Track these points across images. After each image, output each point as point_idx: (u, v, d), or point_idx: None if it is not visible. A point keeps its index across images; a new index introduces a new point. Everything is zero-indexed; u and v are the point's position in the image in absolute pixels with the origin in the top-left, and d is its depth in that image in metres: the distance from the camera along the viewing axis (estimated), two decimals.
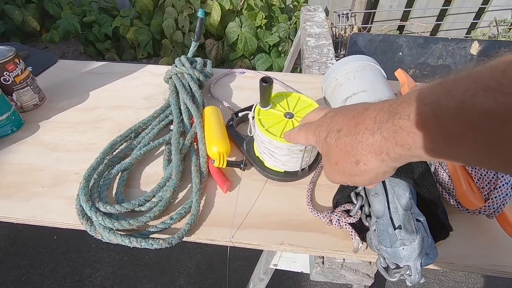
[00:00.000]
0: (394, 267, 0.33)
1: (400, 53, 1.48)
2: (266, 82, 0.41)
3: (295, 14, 1.57)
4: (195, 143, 0.51)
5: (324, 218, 0.40)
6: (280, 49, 1.56)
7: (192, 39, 0.70)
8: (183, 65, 0.63)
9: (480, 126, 0.18)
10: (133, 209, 0.40)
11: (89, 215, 0.39)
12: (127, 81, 0.71)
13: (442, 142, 0.20)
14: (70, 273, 1.05)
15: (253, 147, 0.50)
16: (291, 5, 1.70)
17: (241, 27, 1.51)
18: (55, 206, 0.44)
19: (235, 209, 0.43)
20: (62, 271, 1.06)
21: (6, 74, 0.55)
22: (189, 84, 0.59)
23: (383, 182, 0.36)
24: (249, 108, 0.57)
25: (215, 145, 0.47)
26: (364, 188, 0.38)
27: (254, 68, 1.58)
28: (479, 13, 1.90)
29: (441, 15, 1.91)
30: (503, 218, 0.37)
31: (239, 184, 0.47)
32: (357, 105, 0.28)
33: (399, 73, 0.59)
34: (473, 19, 1.90)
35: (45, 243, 1.15)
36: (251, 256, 1.07)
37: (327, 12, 1.82)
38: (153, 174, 0.48)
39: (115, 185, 0.45)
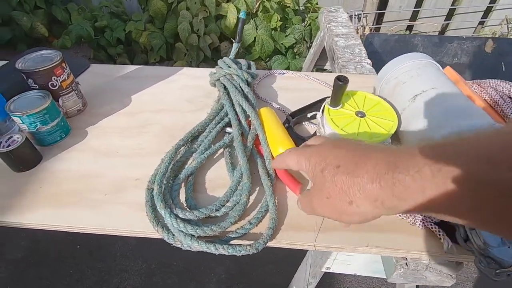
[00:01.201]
0: (497, 266, 0.32)
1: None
2: (341, 81, 0.40)
3: (309, 15, 1.58)
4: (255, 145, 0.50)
5: (408, 218, 0.39)
6: (295, 50, 1.56)
7: (234, 40, 0.70)
8: (229, 67, 0.62)
9: (484, 196, 0.19)
10: (210, 214, 0.39)
11: (169, 222, 0.37)
12: (165, 84, 0.70)
13: (438, 201, 0.21)
14: (97, 283, 1.02)
15: None
16: (302, 7, 1.70)
17: (256, 29, 1.50)
18: (122, 214, 0.42)
19: None
20: (89, 281, 1.03)
21: (54, 79, 0.53)
22: (240, 85, 0.58)
23: None
24: (304, 109, 0.56)
25: (280, 146, 0.46)
26: None
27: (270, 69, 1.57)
28: (487, 12, 1.93)
29: (450, 15, 1.93)
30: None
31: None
32: (357, 143, 0.29)
33: (449, 70, 0.59)
34: (481, 18, 1.92)
35: (67, 253, 1.13)
36: (281, 260, 1.06)
37: None
38: (216, 178, 0.47)
39: (183, 191, 0.44)
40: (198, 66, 1.67)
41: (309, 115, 0.51)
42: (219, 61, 0.66)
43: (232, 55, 0.69)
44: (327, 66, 1.35)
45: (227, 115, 0.54)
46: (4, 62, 0.74)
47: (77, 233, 0.43)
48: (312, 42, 1.59)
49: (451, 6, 1.84)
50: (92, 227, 0.41)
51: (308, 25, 1.53)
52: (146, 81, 0.70)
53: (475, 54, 1.44)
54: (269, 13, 1.50)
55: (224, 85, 0.59)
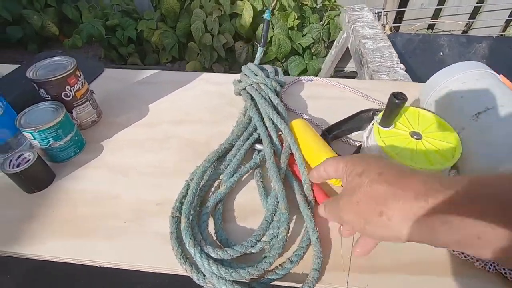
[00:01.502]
0: None
1: (441, 53, 1.41)
2: (398, 99, 0.34)
3: (327, 14, 1.50)
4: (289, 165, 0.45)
5: (476, 261, 0.33)
6: (313, 51, 1.50)
7: (258, 44, 0.64)
8: (256, 75, 0.57)
9: None
10: (245, 252, 0.34)
11: (199, 262, 0.32)
12: (184, 91, 0.65)
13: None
14: None
15: None
16: (320, 5, 1.62)
17: (273, 28, 1.44)
18: (143, 246, 0.37)
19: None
20: None
21: (67, 89, 0.49)
22: (268, 96, 0.52)
23: None
24: (341, 123, 0.50)
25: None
26: None
27: (286, 71, 1.52)
28: None
29: (474, 12, 1.83)
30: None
31: None
32: (402, 165, 0.26)
33: (503, 79, 0.53)
34: (508, 16, 1.82)
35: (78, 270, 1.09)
36: None
37: None
38: (247, 203, 0.42)
39: (211, 220, 0.39)
40: (211, 67, 1.63)
41: (353, 134, 0.45)
42: (243, 68, 0.61)
43: (257, 60, 0.64)
44: (348, 68, 1.28)
45: (255, 129, 0.49)
46: (13, 67, 0.70)
47: None
48: (330, 42, 1.52)
49: (476, 3, 1.75)
50: (111, 261, 0.36)
51: (326, 24, 1.46)
52: (164, 87, 0.65)
53: (506, 55, 1.36)
54: (286, 12, 1.44)
55: (250, 95, 0.54)
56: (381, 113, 0.40)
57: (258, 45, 0.64)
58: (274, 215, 0.38)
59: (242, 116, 0.52)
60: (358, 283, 0.33)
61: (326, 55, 1.48)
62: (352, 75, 1.46)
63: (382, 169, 0.25)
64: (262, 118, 0.49)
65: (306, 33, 1.47)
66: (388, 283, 0.33)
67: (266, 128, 0.48)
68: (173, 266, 0.35)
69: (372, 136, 0.38)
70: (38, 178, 0.43)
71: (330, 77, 1.37)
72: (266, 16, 0.61)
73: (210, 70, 1.65)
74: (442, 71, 0.48)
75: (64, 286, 1.08)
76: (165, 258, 0.36)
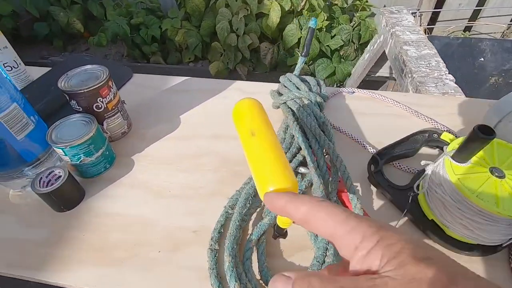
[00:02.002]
0: None
1: (482, 59, 1.31)
2: (486, 134, 0.29)
3: (358, 14, 1.43)
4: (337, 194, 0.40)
5: None
6: (342, 53, 1.43)
7: (299, 53, 0.59)
8: (298, 87, 0.52)
9: None
10: None
11: None
12: (217, 100, 0.61)
13: None
14: None
15: (418, 205, 0.38)
16: (350, 5, 1.55)
17: (301, 29, 1.38)
18: (180, 281, 0.34)
19: None
20: None
21: (99, 100, 0.46)
22: (313, 112, 0.48)
23: None
24: (393, 146, 0.45)
25: (271, 183, 0.23)
26: None
27: (313, 74, 1.46)
28: None
29: None
30: None
31: None
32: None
33: None
34: None
35: None
36: None
37: None
38: (292, 236, 0.37)
39: (254, 255, 0.35)
40: (234, 68, 1.59)
41: (423, 163, 0.39)
42: (282, 79, 0.57)
43: (297, 71, 0.59)
44: (380, 73, 1.21)
45: (299, 150, 0.44)
46: (43, 70, 0.68)
47: None
48: (360, 44, 1.45)
49: None
50: None
51: (357, 25, 1.39)
52: (197, 96, 0.62)
53: None
54: (315, 12, 1.37)
55: (292, 110, 0.49)
56: (452, 144, 0.34)
57: (300, 54, 0.59)
58: (326, 254, 0.34)
59: (282, 133, 0.48)
60: None
61: (355, 58, 1.41)
62: (383, 80, 1.38)
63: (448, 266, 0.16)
64: (307, 138, 0.44)
65: (335, 35, 1.40)
66: None
67: (311, 148, 0.43)
68: None
69: (444, 172, 0.33)
70: (68, 197, 0.41)
71: (361, 82, 1.30)
72: (312, 24, 0.56)
73: (234, 71, 1.61)
74: None
75: None
76: None
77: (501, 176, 0.32)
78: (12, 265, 0.36)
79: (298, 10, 1.39)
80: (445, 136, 0.45)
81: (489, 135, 0.29)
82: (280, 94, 0.55)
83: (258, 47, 1.49)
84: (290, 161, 0.43)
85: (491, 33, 1.74)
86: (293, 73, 0.58)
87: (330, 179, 0.40)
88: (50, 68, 0.69)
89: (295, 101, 0.50)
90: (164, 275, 0.35)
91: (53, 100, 0.56)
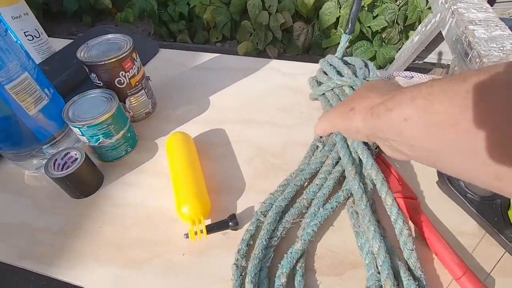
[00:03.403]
0: None
1: None
2: None
3: None
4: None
5: None
6: (384, 36, 1.29)
7: (342, 30, 0.50)
8: (340, 73, 0.44)
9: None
10: None
11: None
12: (251, 81, 0.54)
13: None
14: None
15: (500, 210, 0.30)
16: None
17: (340, 8, 1.25)
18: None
19: None
20: None
21: (121, 74, 0.40)
22: None
23: None
24: None
25: (186, 204, 0.32)
26: None
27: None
28: None
29: None
30: None
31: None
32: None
33: None
34: None
35: None
36: None
37: None
38: (339, 251, 0.31)
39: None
40: (264, 49, 1.49)
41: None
42: (322, 62, 0.48)
43: (339, 52, 0.50)
44: (429, 59, 1.08)
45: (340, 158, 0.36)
46: (66, 41, 0.64)
47: None
48: (405, 26, 1.30)
49: None
50: None
51: (404, 4, 1.23)
52: (227, 76, 0.55)
53: None
54: None
55: (331, 105, 0.41)
56: None
57: (342, 31, 0.50)
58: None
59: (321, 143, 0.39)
60: None
61: (399, 41, 1.26)
62: (429, 68, 1.24)
63: (372, 85, 0.30)
64: (347, 144, 0.36)
65: (377, 14, 1.26)
66: None
67: (351, 155, 0.35)
68: None
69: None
70: (85, 183, 0.36)
71: (406, 69, 1.18)
72: None
73: (263, 52, 1.52)
74: None
75: None
76: None
77: None
78: (24, 256, 0.32)
79: None
80: None
81: None
82: (319, 83, 0.46)
83: (291, 26, 1.37)
84: (331, 170, 0.35)
85: None
86: (335, 55, 0.50)
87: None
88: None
89: (334, 92, 0.42)
90: (189, 284, 0.29)
91: (74, 73, 0.52)
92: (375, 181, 0.32)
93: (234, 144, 0.43)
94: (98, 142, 0.37)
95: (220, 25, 1.49)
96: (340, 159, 0.35)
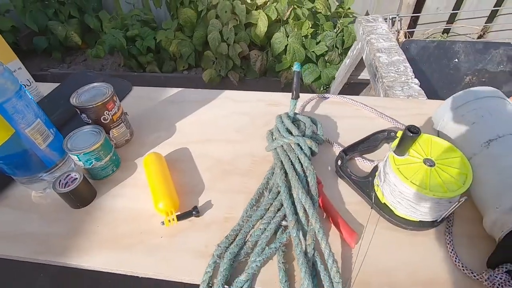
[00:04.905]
0: None
1: (456, 60, 1.40)
2: (413, 132, 0.37)
3: (340, 21, 1.52)
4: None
5: (485, 280, 0.36)
6: (326, 58, 1.52)
7: (291, 97, 0.58)
8: (290, 132, 0.53)
9: None
10: None
11: None
12: (209, 109, 0.69)
13: None
14: None
15: (375, 192, 0.46)
16: (333, 12, 1.64)
17: (287, 37, 1.47)
18: (180, 261, 0.42)
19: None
20: None
21: (106, 113, 0.54)
22: (299, 160, 0.49)
23: None
24: (357, 144, 0.54)
25: (161, 201, 0.45)
26: None
27: (301, 79, 1.53)
28: None
29: (491, 17, 1.81)
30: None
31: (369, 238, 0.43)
32: None
33: None
34: None
35: None
36: None
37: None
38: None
39: None
40: (226, 75, 1.67)
41: (380, 164, 0.48)
42: (277, 119, 0.58)
43: (291, 112, 0.59)
44: (362, 76, 1.30)
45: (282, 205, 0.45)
46: (51, 86, 0.76)
47: None
48: (344, 49, 1.54)
49: (493, 7, 1.72)
50: (152, 273, 0.41)
51: (340, 31, 1.48)
52: (189, 106, 0.70)
53: None
54: (300, 20, 1.46)
55: (281, 160, 0.50)
56: (395, 142, 0.43)
57: (291, 98, 0.58)
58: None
59: (270, 175, 0.50)
60: None
61: (340, 62, 1.50)
62: (366, 82, 1.47)
63: None
64: (290, 193, 0.45)
65: (320, 41, 1.49)
66: None
67: (294, 205, 0.44)
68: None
69: (388, 164, 0.41)
70: (83, 196, 0.48)
71: (345, 85, 1.39)
72: (296, 67, 0.56)
73: (226, 77, 1.70)
74: (455, 96, 0.50)
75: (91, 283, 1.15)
76: (200, 273, 0.40)
77: (432, 165, 0.40)
78: (38, 252, 0.44)
79: (284, 19, 1.48)
80: (400, 134, 0.54)
81: (415, 133, 0.37)
82: (274, 138, 0.55)
83: (248, 54, 1.58)
84: (274, 216, 0.43)
85: (468, 34, 1.84)
86: (289, 113, 0.58)
87: (308, 231, 0.41)
88: (57, 84, 0.77)
89: (282, 148, 0.51)
90: (166, 257, 0.42)
91: (63, 113, 0.64)
92: (316, 233, 0.39)
93: (196, 158, 0.57)
94: (91, 164, 0.50)
95: (185, 56, 1.66)
96: (282, 205, 0.44)
